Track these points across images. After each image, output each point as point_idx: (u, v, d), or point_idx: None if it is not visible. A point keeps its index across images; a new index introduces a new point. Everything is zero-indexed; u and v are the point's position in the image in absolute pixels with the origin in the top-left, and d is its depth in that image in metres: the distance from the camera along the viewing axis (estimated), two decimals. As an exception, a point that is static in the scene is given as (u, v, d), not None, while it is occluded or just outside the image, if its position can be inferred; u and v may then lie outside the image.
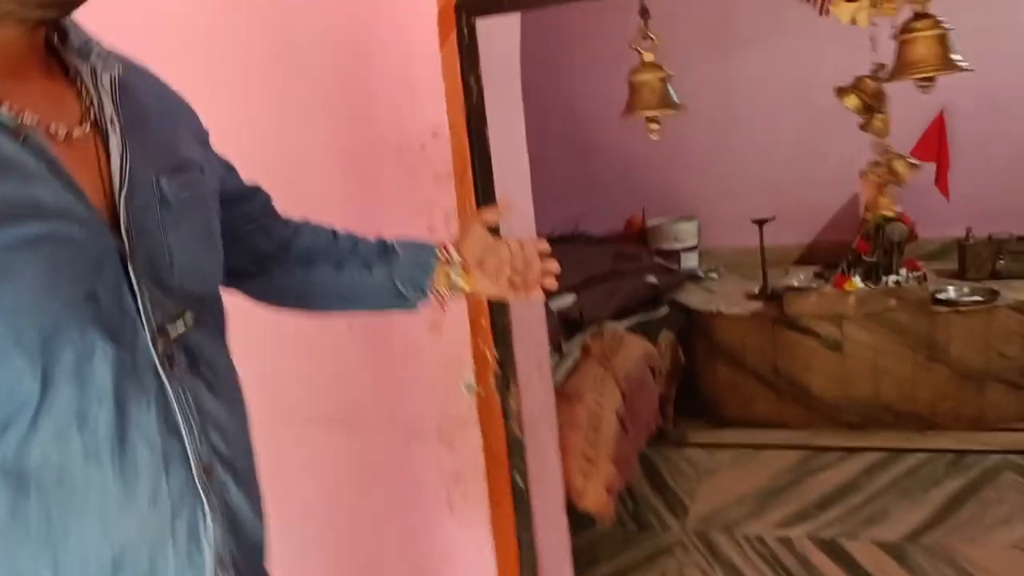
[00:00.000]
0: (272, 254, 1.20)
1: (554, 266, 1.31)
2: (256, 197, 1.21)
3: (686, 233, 4.71)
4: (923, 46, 1.51)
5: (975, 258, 3.98)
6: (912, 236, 3.96)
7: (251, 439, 1.05)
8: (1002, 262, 3.91)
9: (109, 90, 0.88)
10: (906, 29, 1.53)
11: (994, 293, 3.67)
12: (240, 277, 1.17)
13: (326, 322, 1.80)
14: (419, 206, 1.84)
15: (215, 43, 1.90)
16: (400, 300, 1.25)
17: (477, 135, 1.87)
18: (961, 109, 4.13)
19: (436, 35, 1.76)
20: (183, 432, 0.87)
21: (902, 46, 1.54)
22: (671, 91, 1.66)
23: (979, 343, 3.62)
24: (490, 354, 1.92)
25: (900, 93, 4.31)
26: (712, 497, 3.35)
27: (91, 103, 0.87)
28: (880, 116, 1.76)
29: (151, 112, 0.95)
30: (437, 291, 1.25)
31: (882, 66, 1.72)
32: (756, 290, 4.16)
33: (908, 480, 3.33)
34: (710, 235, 4.84)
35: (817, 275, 4.10)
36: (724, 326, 4.00)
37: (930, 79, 1.53)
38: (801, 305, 3.80)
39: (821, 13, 4.57)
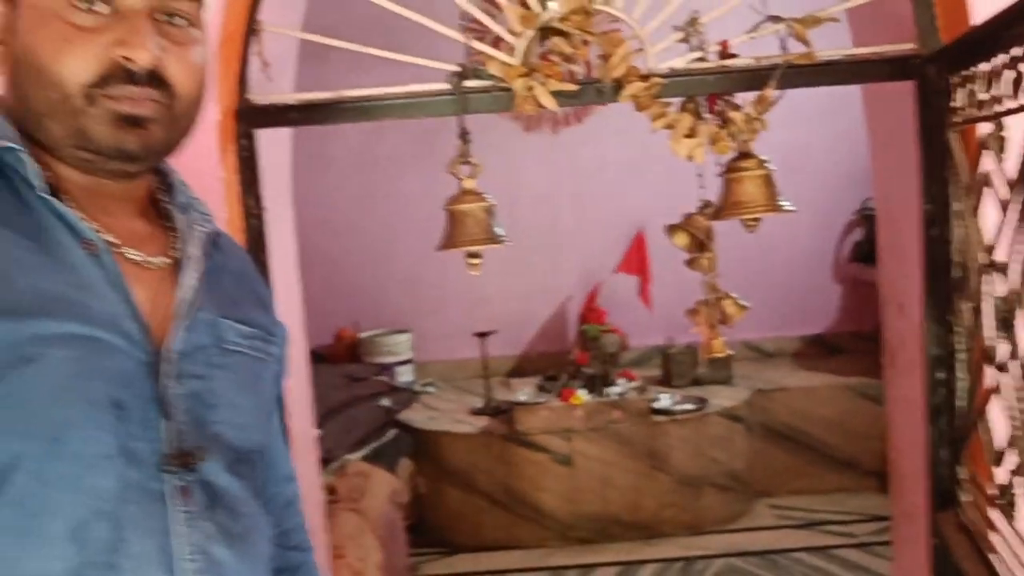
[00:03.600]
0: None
1: None
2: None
3: (401, 346, 4.51)
4: (752, 186, 1.48)
5: (678, 366, 4.20)
6: (624, 346, 4.12)
7: None
8: (702, 369, 4.17)
9: (200, 241, 0.87)
10: (733, 168, 1.49)
11: (703, 401, 3.87)
12: None
13: None
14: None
15: None
16: None
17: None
18: (658, 228, 4.40)
19: (216, 150, 1.43)
20: None
21: (730, 185, 1.50)
22: (494, 221, 1.47)
23: (693, 450, 3.78)
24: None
25: (607, 212, 4.61)
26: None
27: (177, 247, 0.87)
28: (707, 255, 1.71)
29: (233, 273, 0.94)
30: None
31: (709, 203, 1.67)
32: (480, 405, 4.05)
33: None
34: (422, 348, 4.69)
35: (540, 388, 4.09)
36: (452, 445, 3.82)
37: (757, 219, 1.49)
38: (531, 421, 3.74)
39: (527, 131, 4.75)
